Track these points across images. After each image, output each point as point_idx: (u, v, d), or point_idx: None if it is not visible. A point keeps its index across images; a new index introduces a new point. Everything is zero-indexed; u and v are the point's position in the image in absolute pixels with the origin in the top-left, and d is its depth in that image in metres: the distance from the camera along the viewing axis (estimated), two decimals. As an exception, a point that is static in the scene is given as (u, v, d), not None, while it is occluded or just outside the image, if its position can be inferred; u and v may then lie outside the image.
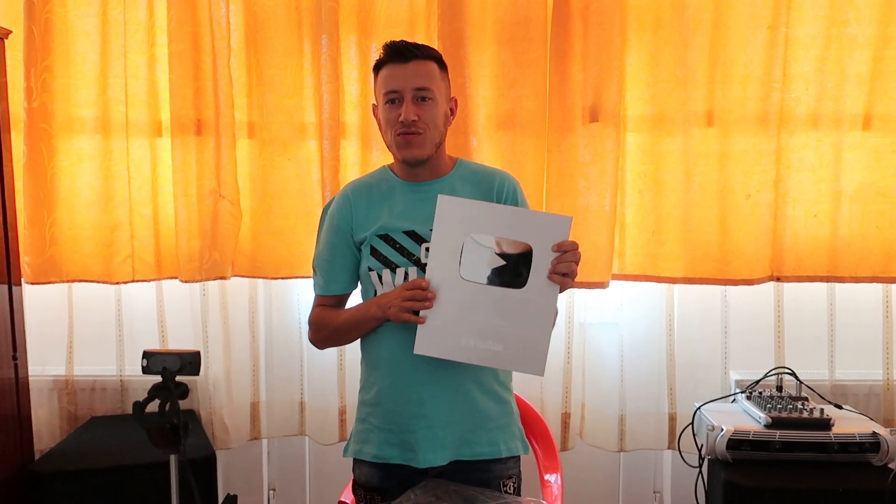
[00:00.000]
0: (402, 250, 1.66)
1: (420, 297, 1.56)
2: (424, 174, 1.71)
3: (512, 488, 1.74)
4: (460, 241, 1.56)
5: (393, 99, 1.64)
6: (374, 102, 1.73)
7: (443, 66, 1.70)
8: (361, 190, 1.77)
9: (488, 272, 1.56)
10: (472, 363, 1.60)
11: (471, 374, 1.66)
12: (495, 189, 1.71)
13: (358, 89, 2.52)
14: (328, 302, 1.80)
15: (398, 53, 1.64)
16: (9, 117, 2.36)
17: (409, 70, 1.63)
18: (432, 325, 1.57)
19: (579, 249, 1.56)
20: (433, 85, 1.65)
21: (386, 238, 1.68)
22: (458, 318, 1.56)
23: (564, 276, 1.55)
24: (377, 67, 1.68)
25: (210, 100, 2.49)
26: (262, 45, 2.51)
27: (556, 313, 1.63)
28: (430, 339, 1.57)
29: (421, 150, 1.65)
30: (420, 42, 1.71)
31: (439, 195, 1.57)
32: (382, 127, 1.69)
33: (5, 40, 2.33)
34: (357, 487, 1.79)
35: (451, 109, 1.72)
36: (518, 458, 1.77)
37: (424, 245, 1.65)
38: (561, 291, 1.57)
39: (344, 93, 2.51)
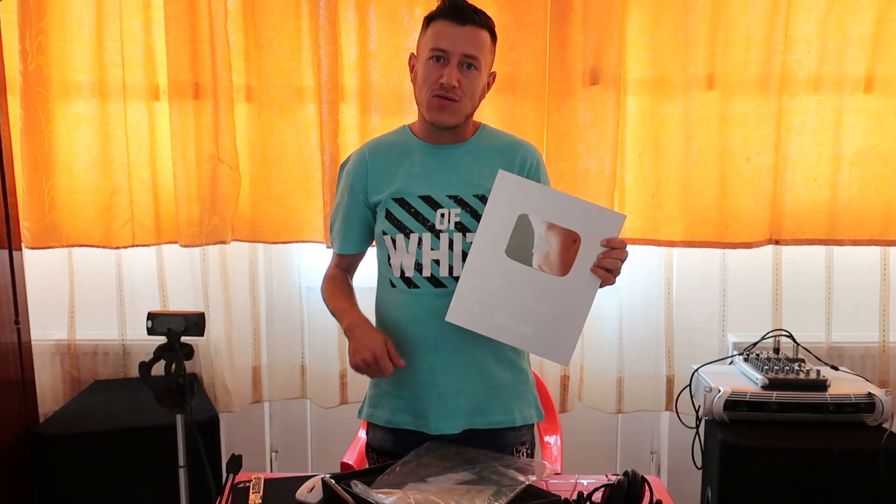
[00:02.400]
0: (416, 215, 1.63)
1: (373, 372, 1.56)
2: (446, 138, 1.67)
3: (525, 454, 1.75)
4: (512, 219, 1.54)
5: (439, 57, 1.57)
6: (414, 52, 1.68)
7: (494, 37, 1.64)
8: (380, 149, 1.72)
9: (534, 255, 1.55)
10: (500, 341, 1.59)
11: (485, 343, 1.62)
12: (518, 161, 1.67)
13: (356, 52, 2.50)
14: (342, 262, 1.81)
15: (457, 13, 1.57)
16: (4, 81, 2.34)
17: (462, 33, 1.57)
18: (470, 296, 1.55)
19: (627, 248, 1.56)
20: (481, 55, 1.59)
21: (401, 202, 1.64)
22: (496, 294, 1.55)
23: (608, 272, 1.54)
24: (430, 19, 1.61)
25: (207, 63, 2.47)
26: (259, 7, 2.48)
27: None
28: (465, 310, 1.56)
29: (452, 118, 1.61)
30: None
31: (501, 170, 1.54)
32: (418, 82, 1.63)
33: (0, 2, 2.30)
34: (370, 450, 1.80)
35: (489, 83, 1.67)
36: (532, 425, 1.77)
37: (440, 211, 1.62)
38: (601, 286, 1.56)
39: (342, 56, 2.49)
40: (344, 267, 1.82)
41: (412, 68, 1.68)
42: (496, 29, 2.43)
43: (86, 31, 2.48)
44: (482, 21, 1.60)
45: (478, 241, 1.56)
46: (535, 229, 1.55)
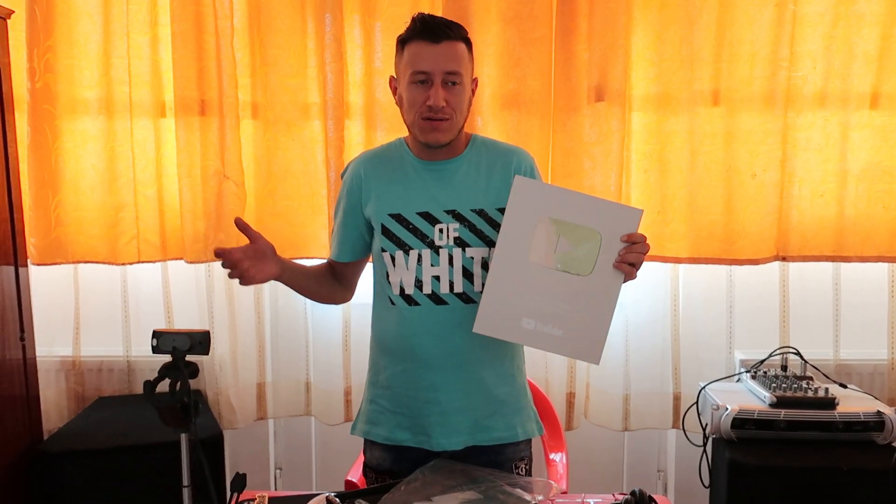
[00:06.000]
0: (415, 231, 1.63)
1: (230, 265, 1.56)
2: (441, 154, 1.66)
3: (524, 470, 1.74)
4: (532, 223, 1.54)
5: (422, 80, 1.57)
6: (394, 75, 1.67)
7: (469, 45, 1.63)
8: (374, 162, 1.72)
9: (556, 256, 1.55)
10: (530, 346, 1.59)
11: (485, 359, 1.64)
12: (513, 167, 1.67)
13: (362, 69, 2.51)
14: (334, 265, 1.81)
15: (430, 31, 1.56)
16: (13, 98, 2.35)
17: (440, 51, 1.55)
18: (496, 305, 1.55)
19: (647, 242, 1.56)
20: (462, 68, 1.58)
21: (398, 218, 1.64)
22: (522, 300, 1.55)
23: (631, 266, 1.54)
24: (404, 41, 1.60)
25: (213, 80, 2.48)
26: (265, 24, 2.50)
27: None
28: (491, 319, 1.55)
29: (445, 136, 1.61)
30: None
31: (516, 176, 1.55)
32: (405, 106, 1.62)
33: (7, 20, 2.32)
34: (368, 469, 1.79)
35: (473, 90, 1.67)
36: (531, 440, 1.76)
37: (438, 226, 1.62)
38: (625, 281, 1.57)
39: (348, 73, 2.50)
40: (336, 269, 1.81)
41: (394, 91, 1.67)
42: (503, 45, 2.44)
43: (93, 48, 2.50)
44: (456, 34, 1.59)
45: (499, 248, 1.55)
46: (556, 230, 1.55)
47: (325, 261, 1.84)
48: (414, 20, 1.60)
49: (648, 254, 2.45)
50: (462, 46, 1.60)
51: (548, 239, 1.55)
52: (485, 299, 1.55)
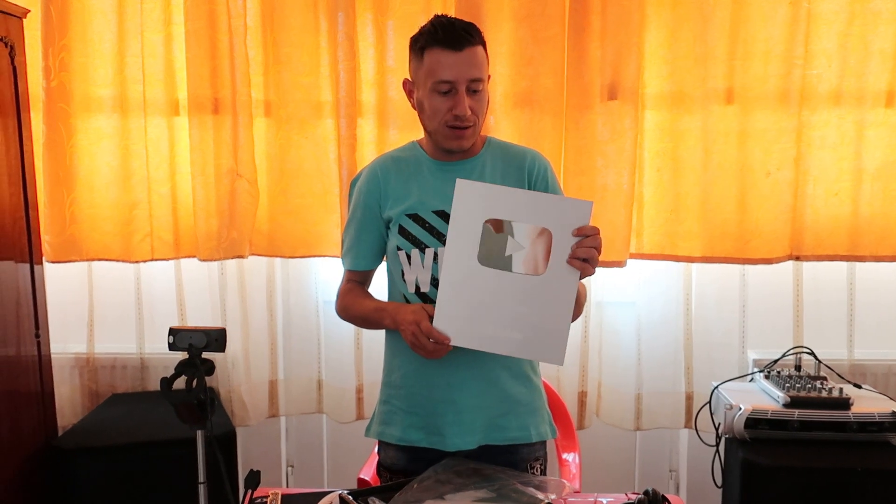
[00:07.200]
0: (431, 230, 1.63)
1: (431, 351, 1.53)
2: (456, 154, 1.65)
3: (539, 470, 1.74)
4: (479, 226, 1.51)
5: (446, 91, 1.54)
6: (408, 77, 1.65)
7: (485, 46, 1.61)
8: (390, 164, 1.71)
9: (507, 258, 1.52)
10: (492, 352, 1.55)
11: (500, 358, 1.63)
12: (526, 168, 1.67)
13: (374, 67, 2.51)
14: (355, 277, 1.78)
15: (452, 40, 1.52)
16: (28, 97, 2.36)
17: (463, 59, 1.53)
18: (450, 314, 1.52)
19: (600, 234, 1.51)
20: (484, 73, 1.57)
21: (415, 217, 1.64)
22: (477, 306, 1.52)
23: (585, 262, 1.49)
24: (423, 47, 1.56)
25: (227, 78, 2.49)
26: (278, 22, 2.50)
27: (584, 300, 1.63)
28: (449, 328, 1.52)
29: (469, 142, 1.61)
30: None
31: (458, 179, 1.51)
32: (426, 113, 1.59)
33: (23, 20, 2.33)
34: (382, 469, 1.79)
35: None
36: (545, 441, 1.76)
37: None
38: (582, 278, 1.52)
39: (360, 71, 2.50)
40: (358, 281, 1.80)
41: (409, 94, 1.65)
42: (515, 43, 2.43)
43: (107, 47, 2.52)
44: (476, 38, 1.57)
45: (448, 254, 1.52)
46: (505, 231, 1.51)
47: (346, 283, 1.79)
48: (434, 25, 1.57)
49: (662, 253, 2.50)
50: (481, 50, 1.58)
51: (496, 240, 1.51)
52: (439, 308, 1.52)
